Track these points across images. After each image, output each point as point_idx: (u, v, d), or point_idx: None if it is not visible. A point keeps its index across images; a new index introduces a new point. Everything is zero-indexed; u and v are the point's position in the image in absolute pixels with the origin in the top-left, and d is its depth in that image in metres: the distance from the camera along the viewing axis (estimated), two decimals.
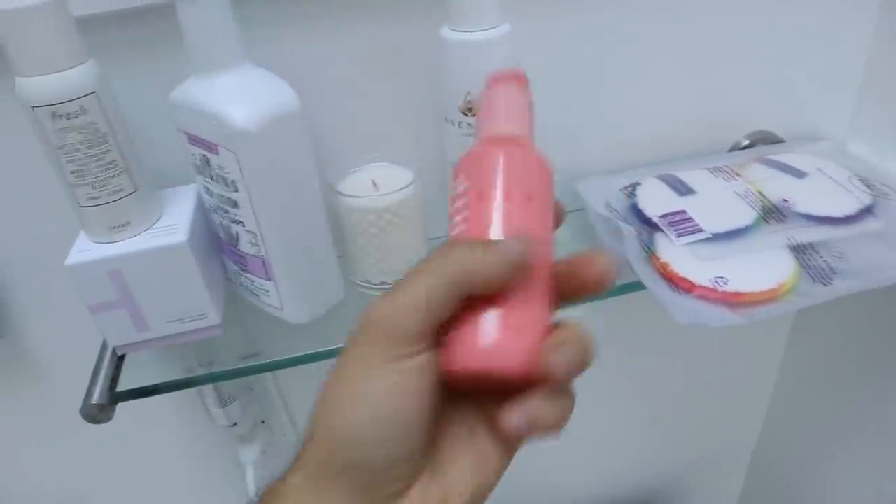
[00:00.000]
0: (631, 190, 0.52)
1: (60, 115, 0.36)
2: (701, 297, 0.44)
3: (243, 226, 0.41)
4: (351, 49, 0.46)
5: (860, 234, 0.48)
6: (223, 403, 0.58)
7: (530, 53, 0.47)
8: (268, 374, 0.62)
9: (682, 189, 0.51)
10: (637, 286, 0.46)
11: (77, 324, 0.52)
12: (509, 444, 0.29)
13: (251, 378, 0.61)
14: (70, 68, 0.35)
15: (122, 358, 0.45)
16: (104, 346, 0.46)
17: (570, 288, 0.28)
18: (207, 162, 0.40)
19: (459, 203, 0.28)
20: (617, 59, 0.52)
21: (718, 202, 0.50)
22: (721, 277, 0.44)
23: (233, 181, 0.39)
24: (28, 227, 0.49)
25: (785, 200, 0.50)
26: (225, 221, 0.42)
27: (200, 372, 0.48)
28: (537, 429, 0.26)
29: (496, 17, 0.41)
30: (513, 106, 0.31)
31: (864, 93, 0.58)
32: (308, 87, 0.40)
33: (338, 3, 0.44)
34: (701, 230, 0.47)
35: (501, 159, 0.29)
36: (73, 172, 0.38)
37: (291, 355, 0.46)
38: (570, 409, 0.27)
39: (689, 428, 0.83)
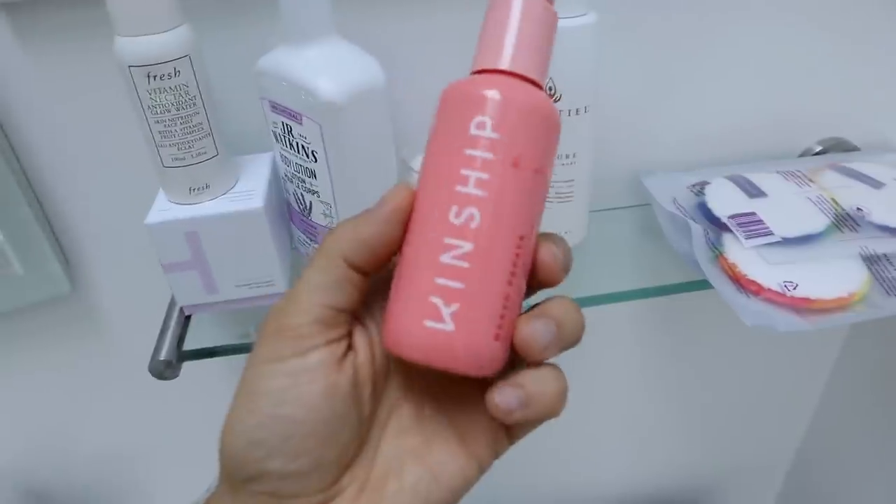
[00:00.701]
0: (699, 188, 0.52)
1: (155, 76, 0.37)
2: (768, 300, 0.44)
3: (318, 196, 0.42)
4: (435, 27, 0.46)
5: None
6: None
7: (609, 44, 0.46)
8: None
9: (753, 191, 0.51)
10: (703, 284, 0.46)
11: (143, 282, 0.53)
12: (496, 441, 0.26)
13: None
14: (167, 31, 0.36)
15: (188, 318, 0.47)
16: (171, 306, 0.47)
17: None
18: (289, 130, 0.40)
19: (485, 156, 0.24)
20: (692, 57, 0.51)
21: (790, 207, 0.49)
22: (790, 282, 0.44)
23: (313, 151, 0.40)
24: (105, 184, 0.50)
25: (859, 209, 0.49)
26: (300, 191, 0.43)
27: (256, 338, 0.49)
28: (531, 408, 0.24)
29: (584, 6, 0.41)
30: (526, 26, 0.25)
31: None
32: (389, 63, 0.40)
33: None
34: (771, 233, 0.47)
35: (487, 106, 0.24)
36: (160, 133, 0.39)
37: None
38: (563, 383, 0.24)
39: (729, 433, 0.82)
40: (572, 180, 0.47)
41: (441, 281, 0.23)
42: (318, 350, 0.24)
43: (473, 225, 0.23)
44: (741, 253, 0.46)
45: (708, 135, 0.56)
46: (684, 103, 0.54)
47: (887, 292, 0.44)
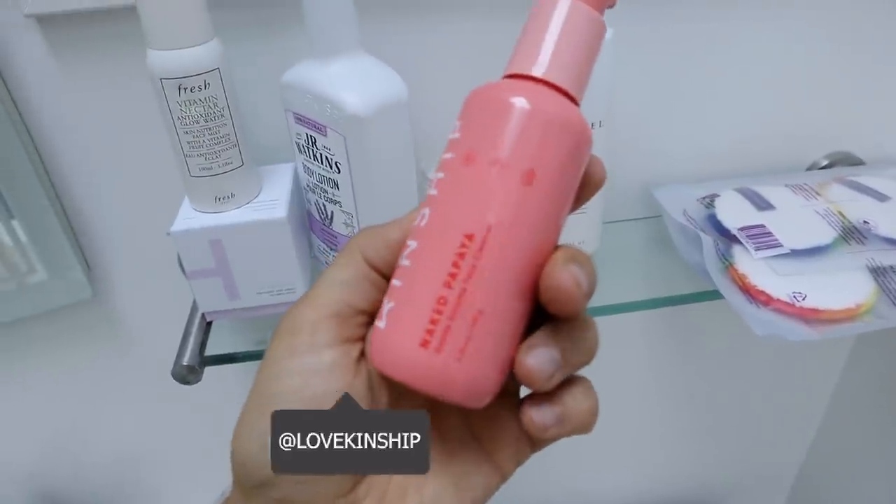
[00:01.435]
0: (709, 201, 0.53)
1: (185, 88, 0.38)
2: (778, 310, 0.45)
3: (340, 206, 0.43)
4: (456, 42, 0.48)
5: None
6: None
7: (621, 60, 0.48)
8: None
9: (762, 204, 0.52)
10: (712, 295, 0.47)
11: (163, 289, 0.54)
12: (519, 451, 0.25)
13: None
14: (199, 45, 0.38)
15: (209, 324, 0.48)
16: (193, 311, 0.48)
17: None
18: (314, 142, 0.41)
19: (445, 156, 0.23)
20: (702, 71, 0.53)
21: (798, 219, 0.50)
22: (799, 293, 0.45)
23: (336, 162, 0.41)
24: (128, 192, 0.51)
25: (866, 222, 0.50)
26: (322, 200, 0.44)
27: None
28: (568, 425, 0.23)
29: None
30: (567, 34, 0.23)
31: None
32: (409, 77, 0.42)
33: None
34: (780, 245, 0.48)
35: (519, 116, 0.22)
36: (189, 143, 0.40)
37: None
38: (596, 398, 0.24)
39: (737, 442, 0.83)
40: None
41: (393, 281, 0.23)
42: (332, 348, 0.23)
43: (423, 224, 0.23)
44: (751, 264, 0.47)
45: (717, 149, 0.57)
46: (694, 118, 0.55)
47: (894, 303, 0.45)
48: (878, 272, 0.47)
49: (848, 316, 0.44)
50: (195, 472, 0.70)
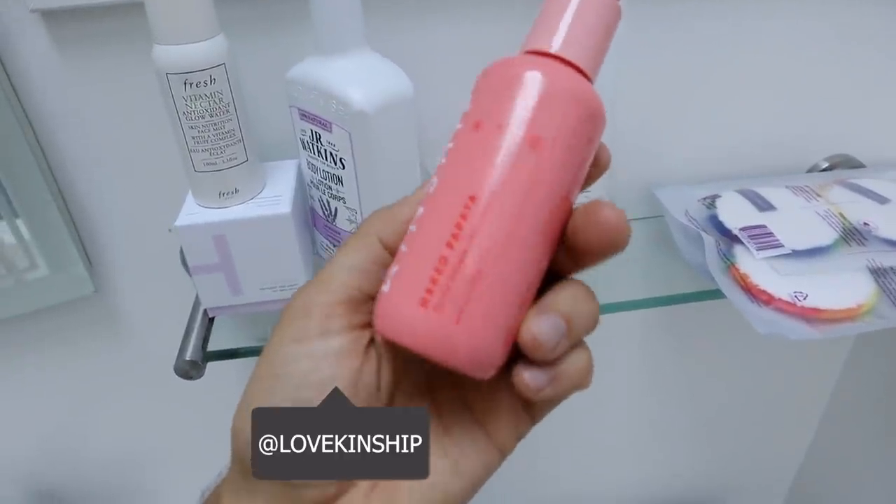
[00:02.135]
0: (710, 201, 0.53)
1: (191, 84, 0.38)
2: (779, 310, 0.45)
3: (344, 202, 0.43)
4: (461, 40, 0.48)
5: None
6: None
7: (622, 59, 0.48)
8: None
9: (763, 204, 0.52)
10: (713, 294, 0.47)
11: (165, 285, 0.54)
12: (518, 422, 0.25)
13: None
14: (205, 40, 0.38)
15: (212, 319, 0.48)
16: (195, 307, 0.48)
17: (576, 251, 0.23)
18: (318, 138, 0.42)
19: (457, 128, 0.23)
20: (704, 74, 0.53)
21: (799, 220, 0.50)
22: (800, 292, 0.45)
23: (341, 159, 0.41)
24: (130, 188, 0.51)
25: (866, 224, 0.50)
26: (325, 197, 0.44)
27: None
28: (564, 383, 0.22)
29: None
30: (582, 14, 0.24)
31: None
32: (414, 73, 0.42)
33: None
34: (781, 245, 0.48)
35: (528, 85, 0.22)
36: (194, 138, 0.40)
37: None
38: (589, 353, 0.23)
39: (736, 441, 0.83)
40: (589, 192, 0.48)
41: (401, 247, 0.23)
42: (342, 334, 0.23)
43: (431, 190, 0.23)
44: (752, 264, 0.47)
45: (718, 150, 0.57)
46: (696, 120, 0.55)
47: (894, 304, 0.45)
48: (878, 273, 0.47)
49: (849, 316, 0.45)
50: (196, 469, 0.70)
